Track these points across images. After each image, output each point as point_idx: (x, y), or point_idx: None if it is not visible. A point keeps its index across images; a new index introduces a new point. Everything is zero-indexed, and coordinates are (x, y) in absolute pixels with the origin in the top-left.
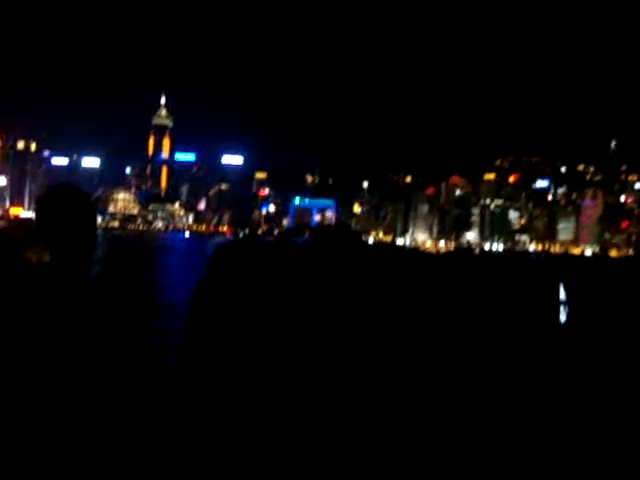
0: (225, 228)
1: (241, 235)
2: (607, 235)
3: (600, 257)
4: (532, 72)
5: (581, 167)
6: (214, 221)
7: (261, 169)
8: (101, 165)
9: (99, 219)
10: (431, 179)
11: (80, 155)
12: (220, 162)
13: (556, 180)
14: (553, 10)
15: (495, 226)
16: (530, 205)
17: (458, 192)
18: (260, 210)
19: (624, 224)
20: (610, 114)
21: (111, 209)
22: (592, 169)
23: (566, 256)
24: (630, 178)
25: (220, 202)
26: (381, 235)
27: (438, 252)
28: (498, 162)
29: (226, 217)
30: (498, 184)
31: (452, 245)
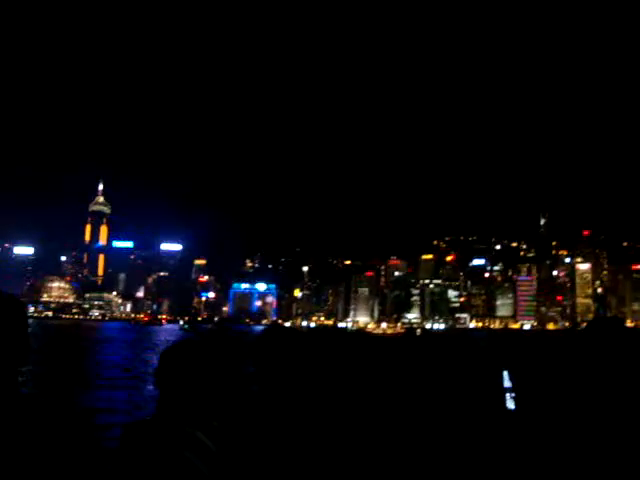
0: (164, 316)
1: (181, 323)
2: (543, 309)
3: (538, 331)
4: (463, 155)
5: (515, 244)
6: (152, 309)
7: (200, 256)
8: (35, 253)
9: (31, 308)
10: (370, 262)
11: (13, 243)
12: (158, 249)
13: (492, 258)
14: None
15: (435, 305)
16: (468, 283)
17: (397, 273)
18: (200, 297)
19: (558, 298)
20: (539, 193)
21: (45, 298)
22: (525, 246)
23: (507, 332)
24: (561, 253)
25: (159, 289)
26: (322, 319)
27: (384, 333)
28: (435, 242)
29: (165, 305)
30: (436, 264)
31: (397, 326)
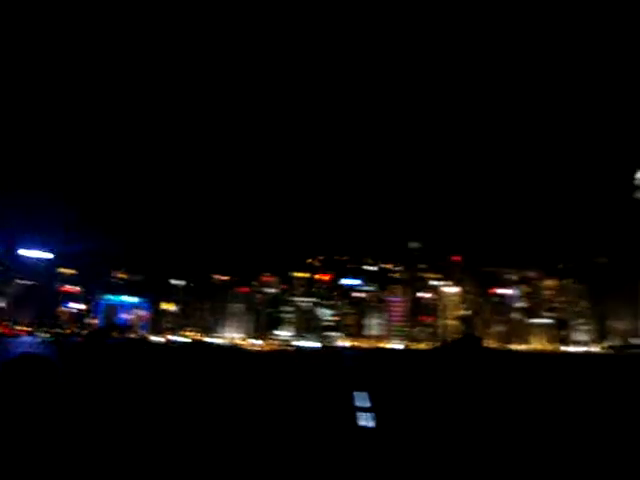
0: (23, 327)
1: (42, 335)
2: (413, 330)
3: (407, 350)
4: (337, 176)
5: (387, 266)
6: (11, 320)
7: (67, 265)
8: None
9: None
10: (245, 278)
11: None
12: (21, 257)
13: (365, 278)
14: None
15: (307, 323)
16: (340, 302)
17: (271, 290)
18: (66, 308)
19: (427, 319)
20: (410, 216)
21: None
22: (397, 268)
23: (377, 351)
24: (430, 275)
25: (19, 300)
26: (194, 334)
27: (261, 350)
28: (309, 261)
29: (26, 316)
30: (309, 282)
31: (270, 342)
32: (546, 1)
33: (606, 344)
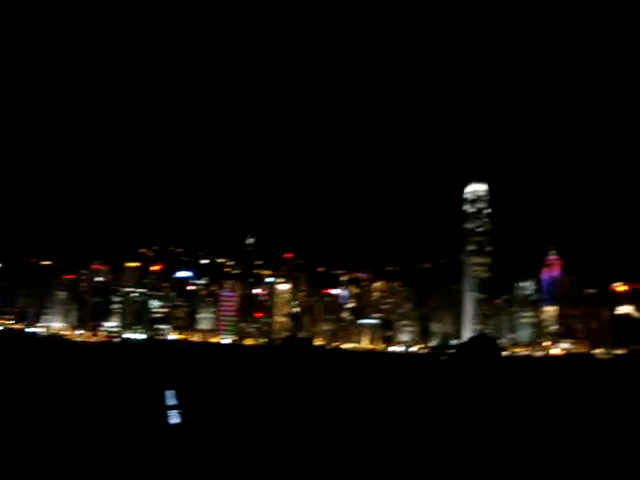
0: None
1: None
2: (243, 325)
3: (237, 346)
4: (173, 165)
5: (221, 260)
6: None
7: None
8: None
9: None
10: (72, 265)
11: None
12: None
13: (198, 271)
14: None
15: (137, 315)
16: (172, 294)
17: (99, 279)
18: None
19: (258, 315)
20: (246, 211)
21: None
22: (231, 262)
23: (206, 345)
24: (264, 272)
25: None
26: (11, 323)
27: (85, 341)
28: (142, 251)
29: None
30: (141, 272)
31: (96, 333)
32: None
33: (426, 344)
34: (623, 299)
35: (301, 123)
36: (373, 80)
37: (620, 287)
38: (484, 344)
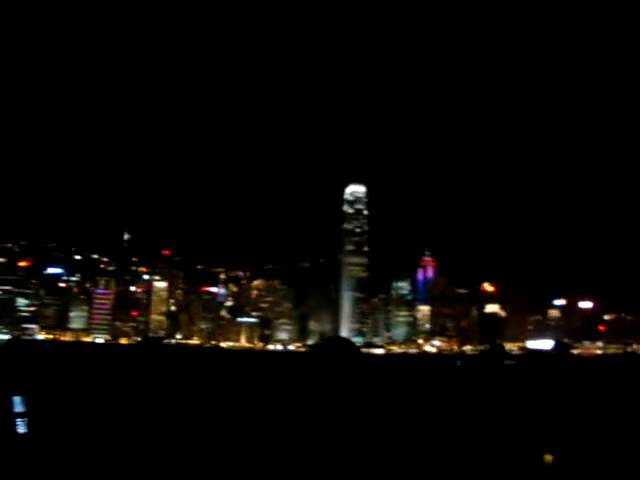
0: None
1: None
2: (118, 323)
3: (111, 345)
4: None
5: (95, 256)
6: None
7: None
8: None
9: None
10: None
11: None
12: None
13: (70, 267)
14: None
15: (1, 313)
16: (42, 292)
17: None
18: None
19: (134, 313)
20: (124, 208)
21: None
22: (106, 259)
23: (78, 344)
24: (140, 269)
25: None
26: None
27: None
28: (9, 245)
29: None
30: (6, 268)
31: None
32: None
33: (304, 343)
34: (491, 298)
35: (174, 119)
36: (256, 78)
37: (488, 287)
38: (339, 345)
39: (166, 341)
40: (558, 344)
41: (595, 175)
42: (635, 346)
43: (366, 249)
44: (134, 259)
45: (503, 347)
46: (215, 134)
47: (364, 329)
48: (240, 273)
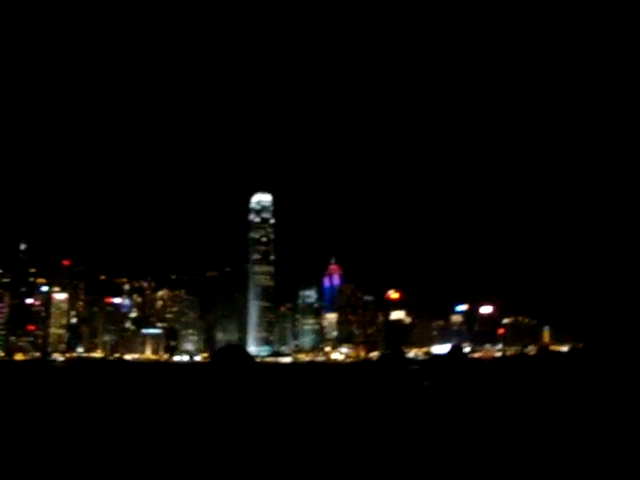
0: None
1: None
2: (13, 338)
3: (5, 361)
4: None
5: None
6: None
7: None
8: None
9: None
10: None
11: None
12: None
13: None
14: None
15: None
16: None
17: None
18: None
19: (31, 327)
20: (20, 218)
21: None
22: (0, 270)
23: None
24: (39, 280)
25: None
26: None
27: None
28: None
29: None
30: None
31: None
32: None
33: (211, 353)
34: (396, 305)
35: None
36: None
37: (393, 294)
38: (231, 355)
39: (56, 355)
40: (452, 348)
41: (490, 181)
42: (530, 347)
43: (272, 258)
44: (31, 270)
45: (403, 351)
46: (116, 139)
47: (271, 338)
48: (144, 283)
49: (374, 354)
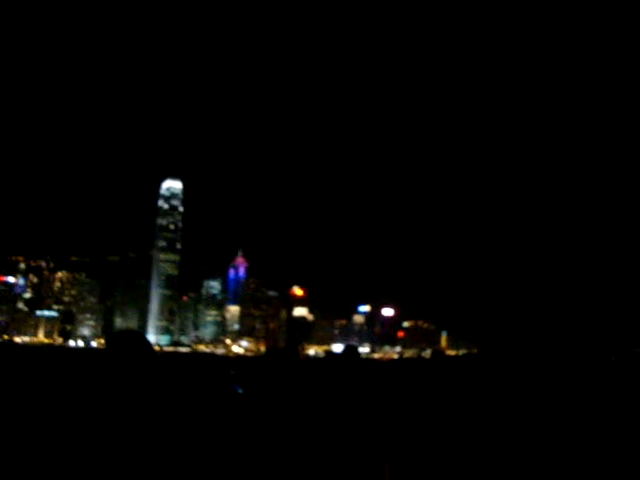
0: None
1: None
2: None
3: None
4: None
5: None
6: None
7: None
8: None
9: None
10: None
11: None
12: None
13: None
14: None
15: None
16: None
17: None
18: None
19: None
20: None
21: None
22: None
23: None
24: None
25: None
26: None
27: None
28: None
29: None
30: None
31: None
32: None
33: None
34: (300, 302)
35: None
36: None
37: (297, 291)
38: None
39: None
40: (346, 347)
41: (396, 182)
42: (427, 351)
43: (179, 246)
44: None
45: (297, 348)
46: (26, 118)
47: (172, 327)
48: (42, 263)
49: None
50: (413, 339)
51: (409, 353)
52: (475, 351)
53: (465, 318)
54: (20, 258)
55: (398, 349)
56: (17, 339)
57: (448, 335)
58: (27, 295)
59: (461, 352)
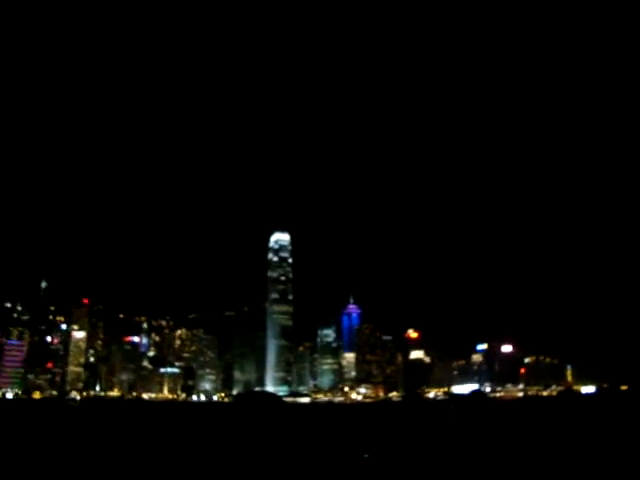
0: None
1: None
2: (31, 376)
3: (23, 400)
4: None
5: (9, 305)
6: None
7: None
8: None
9: None
10: None
11: None
12: None
13: None
14: None
15: None
16: None
17: None
18: None
19: (49, 365)
20: (41, 256)
21: None
22: (20, 308)
23: None
24: (58, 319)
25: None
26: None
27: None
28: None
29: None
30: None
31: None
32: None
33: (228, 393)
34: (415, 345)
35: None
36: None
37: (412, 333)
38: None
39: (73, 394)
40: (475, 390)
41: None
42: (554, 387)
43: (291, 297)
44: (51, 308)
45: (420, 394)
46: (132, 181)
47: (289, 378)
48: (163, 322)
49: (393, 394)
50: (536, 375)
51: (532, 391)
52: (606, 386)
53: (591, 350)
54: (143, 318)
55: (521, 386)
56: (144, 395)
57: (573, 369)
58: (151, 353)
59: (590, 387)
